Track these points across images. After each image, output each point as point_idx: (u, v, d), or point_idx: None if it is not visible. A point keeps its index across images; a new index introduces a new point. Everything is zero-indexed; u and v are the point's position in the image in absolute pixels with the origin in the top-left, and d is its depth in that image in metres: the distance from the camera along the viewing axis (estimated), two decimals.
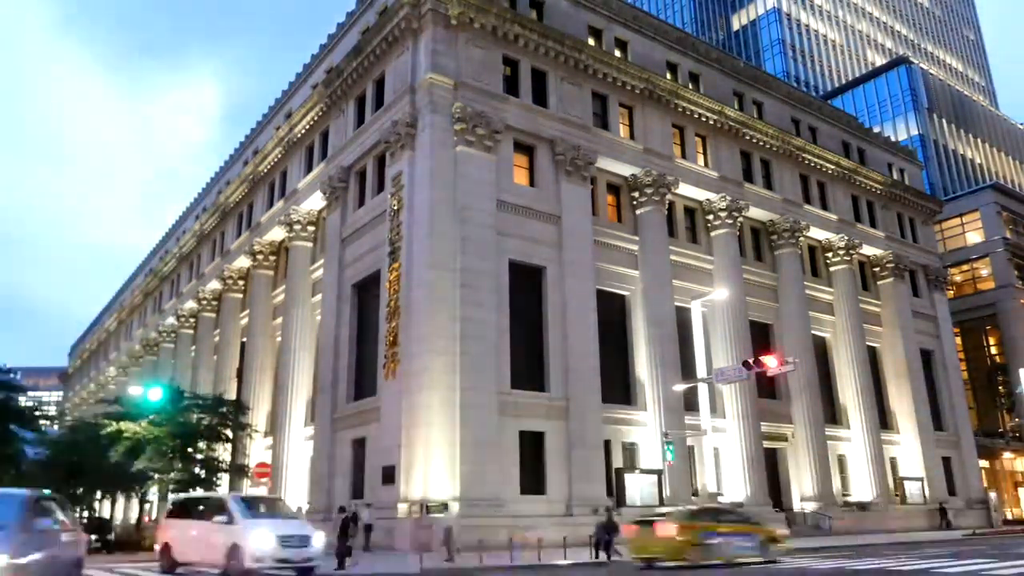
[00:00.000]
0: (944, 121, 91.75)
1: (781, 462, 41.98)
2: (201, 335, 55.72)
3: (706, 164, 42.20)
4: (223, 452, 37.30)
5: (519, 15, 35.27)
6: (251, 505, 19.34)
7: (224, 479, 35.53)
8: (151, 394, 32.58)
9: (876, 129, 73.99)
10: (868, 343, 48.15)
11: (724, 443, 37.91)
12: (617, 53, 39.71)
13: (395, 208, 32.30)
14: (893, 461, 47.42)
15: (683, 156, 41.00)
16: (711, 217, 41.71)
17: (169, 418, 33.63)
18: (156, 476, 34.46)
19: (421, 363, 28.84)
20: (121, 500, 58.61)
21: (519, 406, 30.84)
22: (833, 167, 49.26)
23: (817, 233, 47.37)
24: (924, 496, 46.48)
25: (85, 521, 52.96)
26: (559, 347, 32.71)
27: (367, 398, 33.30)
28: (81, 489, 54.74)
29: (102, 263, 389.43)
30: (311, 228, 41.86)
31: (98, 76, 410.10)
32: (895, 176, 55.93)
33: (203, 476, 34.66)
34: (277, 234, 44.92)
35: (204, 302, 55.25)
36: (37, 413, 42.88)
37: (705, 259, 41.05)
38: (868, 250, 50.44)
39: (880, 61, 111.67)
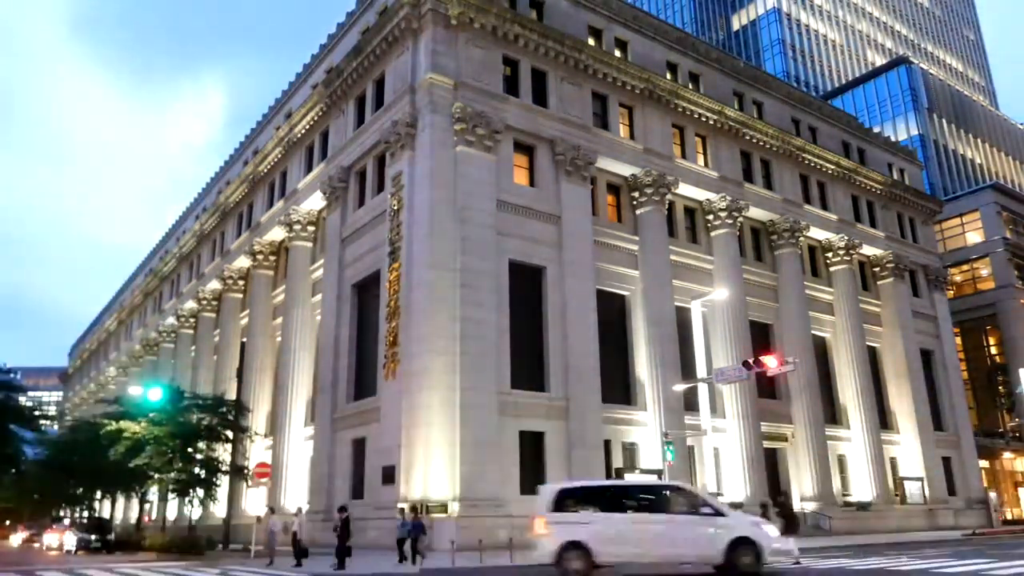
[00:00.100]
0: (944, 121, 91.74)
1: (781, 462, 41.97)
2: (201, 335, 55.73)
3: (706, 164, 42.20)
4: (223, 452, 37.28)
5: (519, 15, 35.27)
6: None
7: (224, 479, 35.48)
8: (151, 394, 32.63)
9: (876, 129, 74.03)
10: (868, 343, 48.15)
11: (724, 443, 37.91)
12: (617, 53, 39.71)
13: (395, 208, 32.30)
14: (893, 461, 47.41)
15: (683, 156, 41.00)
16: (711, 217, 41.71)
17: (169, 418, 33.62)
18: (156, 476, 34.46)
19: (421, 363, 28.85)
20: (121, 500, 58.65)
21: (519, 406, 30.85)
22: (833, 167, 49.26)
23: (817, 233, 47.37)
24: (924, 496, 46.47)
25: (85, 521, 53.02)
26: (559, 347, 32.72)
27: (367, 398, 33.31)
28: (81, 489, 54.85)
29: (102, 263, 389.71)
30: (311, 228, 41.87)
31: (102, 77, 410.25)
32: (895, 176, 55.93)
33: (203, 476, 34.66)
34: (277, 234, 44.93)
35: (204, 302, 55.27)
36: (37, 413, 42.91)
37: (705, 259, 41.05)
38: (868, 250, 50.44)
39: (880, 61, 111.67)
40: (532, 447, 31.05)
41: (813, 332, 44.63)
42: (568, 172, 35.07)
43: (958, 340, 61.61)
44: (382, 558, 23.87)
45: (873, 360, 48.98)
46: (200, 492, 35.83)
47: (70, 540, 39.97)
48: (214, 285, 53.73)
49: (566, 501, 17.20)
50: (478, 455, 28.39)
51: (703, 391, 30.65)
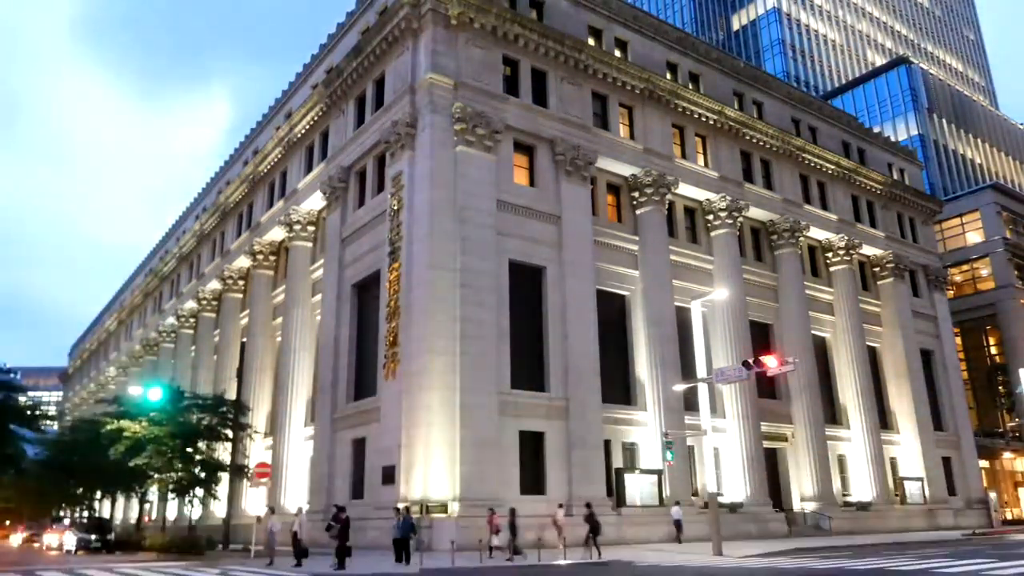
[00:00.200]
0: (944, 121, 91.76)
1: (781, 462, 41.97)
2: (201, 335, 55.73)
3: (706, 164, 42.20)
4: (223, 452, 37.28)
5: (519, 15, 35.27)
6: None
7: (224, 479, 35.48)
8: (151, 394, 32.60)
9: (876, 129, 74.02)
10: (868, 343, 48.15)
11: (724, 443, 37.91)
12: (617, 53, 39.71)
13: (395, 208, 32.30)
14: (893, 461, 47.41)
15: (683, 156, 41.00)
16: (711, 217, 41.70)
17: (169, 418, 33.63)
18: (156, 476, 34.46)
19: (421, 363, 28.85)
20: (121, 500, 58.65)
21: (519, 406, 30.85)
22: (833, 167, 49.26)
23: (817, 233, 47.37)
24: (924, 496, 46.47)
25: (85, 521, 53.01)
26: (559, 347, 32.72)
27: (367, 398, 33.31)
28: (81, 489, 54.83)
29: (103, 263, 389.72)
30: (311, 228, 41.86)
31: (104, 79, 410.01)
32: (895, 176, 55.93)
33: (203, 476, 34.66)
34: (277, 234, 44.93)
35: (204, 302, 55.27)
36: (37, 413, 42.82)
37: (705, 259, 41.05)
38: (868, 250, 50.44)
39: (880, 61, 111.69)
40: (532, 447, 31.05)
41: (813, 332, 44.63)
42: (568, 172, 35.07)
43: (958, 340, 61.64)
44: (382, 558, 23.89)
45: (873, 360, 48.98)
46: (200, 492, 35.84)
47: (70, 540, 39.97)
48: (214, 285, 53.73)
49: None
50: (478, 455, 28.39)
51: (703, 391, 30.64)
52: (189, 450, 34.49)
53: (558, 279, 33.59)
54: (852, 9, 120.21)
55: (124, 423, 33.99)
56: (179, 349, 61.04)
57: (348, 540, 21.93)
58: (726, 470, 37.86)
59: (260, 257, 46.03)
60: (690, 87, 42.62)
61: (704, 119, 42.18)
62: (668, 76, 41.74)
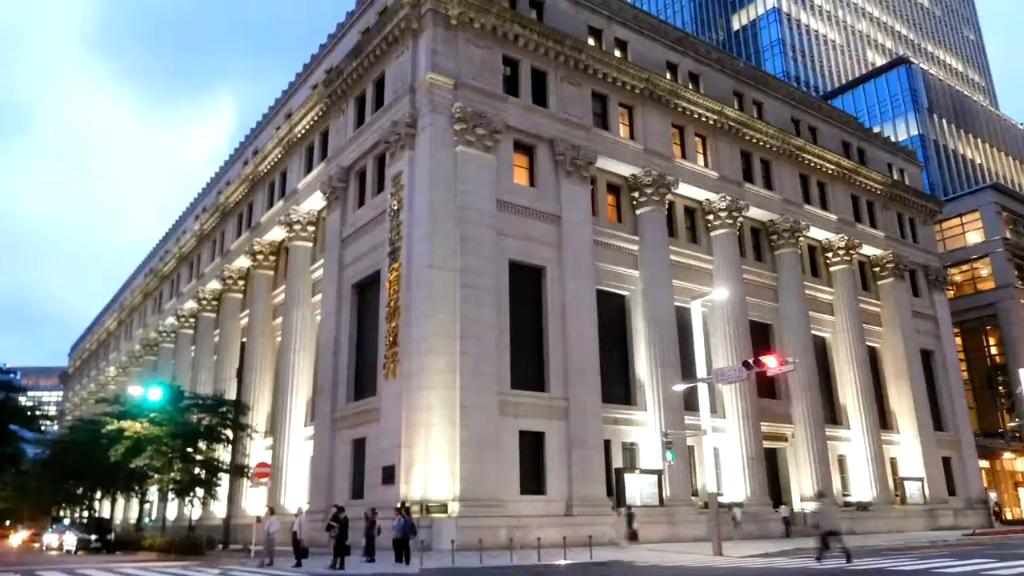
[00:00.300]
0: (944, 121, 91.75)
1: (781, 462, 41.96)
2: (201, 335, 55.71)
3: (706, 164, 42.19)
4: (223, 452, 37.28)
5: (519, 15, 35.26)
6: None
7: (224, 479, 35.49)
8: (151, 394, 32.62)
9: (876, 129, 73.98)
10: (868, 343, 48.14)
11: (724, 443, 37.89)
12: (617, 53, 39.69)
13: (395, 208, 32.29)
14: (893, 461, 47.39)
15: (683, 156, 40.99)
16: (711, 217, 41.70)
17: (169, 418, 33.66)
18: (156, 476, 34.46)
19: (421, 363, 28.84)
20: (121, 500, 58.64)
21: (519, 406, 30.84)
22: (833, 167, 49.25)
23: (817, 233, 47.35)
24: (924, 496, 46.46)
25: (85, 521, 53.04)
26: (559, 347, 32.71)
27: (367, 398, 33.29)
28: (81, 489, 54.86)
29: (103, 263, 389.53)
30: (311, 228, 41.85)
31: (109, 81, 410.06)
32: (895, 176, 55.91)
33: (203, 476, 34.67)
34: (277, 234, 44.91)
35: (204, 302, 55.24)
36: (37, 413, 42.88)
37: (705, 259, 41.04)
38: (868, 250, 50.42)
39: (880, 61, 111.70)
40: (532, 447, 31.02)
41: (813, 332, 44.62)
42: (568, 172, 35.06)
43: (958, 340, 61.57)
44: (382, 558, 23.87)
45: (873, 360, 48.96)
46: (200, 492, 35.84)
47: (70, 540, 40.00)
48: (214, 285, 53.71)
49: None
50: (478, 455, 28.38)
51: (703, 391, 30.64)
52: (189, 450, 34.53)
53: (558, 279, 33.58)
54: (852, 9, 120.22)
55: (124, 423, 34.03)
56: (179, 349, 61.02)
57: (347, 540, 21.95)
58: (726, 470, 37.84)
59: (260, 257, 46.02)
60: (690, 87, 42.61)
61: (704, 119, 42.18)
62: (668, 76, 41.73)
